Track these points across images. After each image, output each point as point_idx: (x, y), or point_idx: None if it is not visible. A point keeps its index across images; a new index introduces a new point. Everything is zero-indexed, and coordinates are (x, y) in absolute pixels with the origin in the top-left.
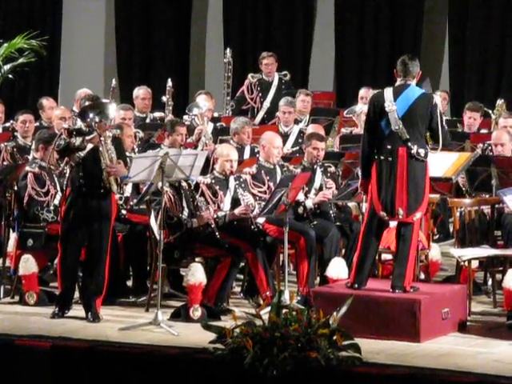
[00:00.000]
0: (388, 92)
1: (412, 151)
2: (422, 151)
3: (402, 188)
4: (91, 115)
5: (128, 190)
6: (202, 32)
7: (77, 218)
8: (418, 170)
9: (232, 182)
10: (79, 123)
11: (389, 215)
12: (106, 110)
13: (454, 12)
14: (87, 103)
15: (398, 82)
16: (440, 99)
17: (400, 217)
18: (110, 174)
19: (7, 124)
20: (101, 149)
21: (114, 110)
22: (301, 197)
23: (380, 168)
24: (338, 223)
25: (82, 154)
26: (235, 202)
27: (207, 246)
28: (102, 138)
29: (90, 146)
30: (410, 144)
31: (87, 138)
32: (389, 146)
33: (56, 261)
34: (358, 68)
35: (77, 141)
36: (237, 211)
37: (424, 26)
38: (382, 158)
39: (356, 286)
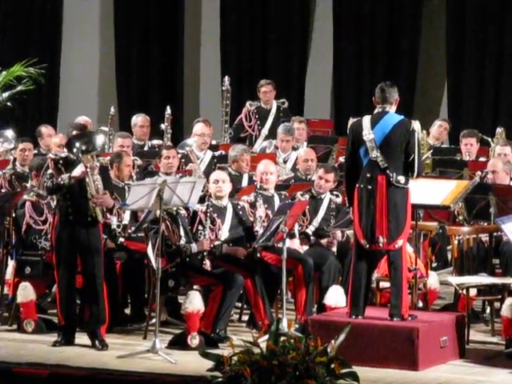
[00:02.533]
0: (366, 120)
1: (391, 179)
2: (401, 178)
3: (381, 216)
4: (77, 145)
5: (126, 217)
6: (199, 61)
7: (67, 245)
8: (399, 197)
9: (230, 209)
10: (64, 153)
11: (369, 243)
12: (93, 139)
13: (452, 45)
14: (74, 132)
15: (376, 109)
16: (436, 128)
17: (380, 245)
18: (96, 204)
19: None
20: (87, 179)
21: (102, 140)
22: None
23: (360, 196)
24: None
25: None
26: (240, 223)
27: (199, 275)
28: (88, 170)
29: (77, 173)
30: (388, 172)
31: (73, 174)
32: (368, 174)
33: (54, 289)
34: (355, 96)
35: (64, 179)
36: (239, 252)
37: (421, 54)
38: (361, 186)
39: (353, 317)
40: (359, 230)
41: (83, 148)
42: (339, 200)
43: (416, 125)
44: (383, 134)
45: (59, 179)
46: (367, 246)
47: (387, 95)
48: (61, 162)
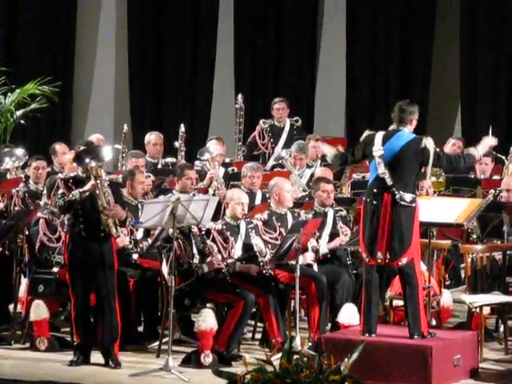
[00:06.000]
0: (378, 136)
1: (396, 197)
2: (407, 197)
3: (383, 232)
4: (87, 160)
5: (139, 235)
6: (214, 77)
7: (80, 263)
8: (404, 215)
9: (243, 227)
10: (73, 172)
11: (369, 257)
12: (101, 153)
13: (465, 64)
14: (81, 148)
15: (391, 127)
16: (450, 146)
17: (379, 260)
18: (107, 216)
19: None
20: (97, 192)
21: (109, 152)
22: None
23: (366, 210)
24: (354, 271)
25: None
26: (247, 248)
27: (219, 292)
28: (98, 181)
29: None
30: (394, 189)
31: (84, 189)
32: (375, 190)
33: (69, 307)
34: (368, 114)
35: (75, 195)
36: (252, 269)
37: (434, 70)
38: (367, 200)
39: (367, 334)
40: (362, 243)
41: (91, 161)
42: (344, 213)
43: (428, 142)
44: (393, 151)
45: (70, 196)
46: (367, 259)
47: (403, 115)
48: (71, 181)
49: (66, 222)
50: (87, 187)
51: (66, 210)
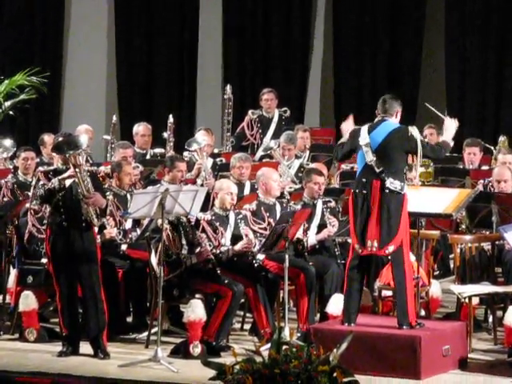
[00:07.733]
0: (364, 128)
1: (385, 183)
2: (397, 183)
3: (374, 220)
4: (63, 146)
5: (128, 225)
6: (202, 68)
7: (62, 254)
8: (393, 202)
9: (232, 218)
10: (53, 165)
11: (361, 247)
12: (78, 141)
13: (452, 54)
14: (60, 139)
15: (377, 118)
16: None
17: (369, 249)
18: (88, 204)
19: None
20: (76, 180)
21: (86, 140)
22: (299, 235)
23: (355, 201)
24: (343, 261)
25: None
26: (236, 238)
27: (208, 282)
28: (77, 170)
29: (68, 182)
30: (383, 175)
31: (63, 176)
32: (364, 179)
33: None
34: (356, 105)
35: (54, 183)
36: (239, 245)
37: (423, 60)
38: (357, 191)
39: (346, 323)
40: (353, 235)
41: (69, 148)
42: (332, 204)
43: (414, 131)
44: (379, 139)
45: (50, 184)
46: (360, 250)
47: (387, 106)
48: (51, 173)
49: (46, 214)
50: (66, 174)
51: (47, 200)
